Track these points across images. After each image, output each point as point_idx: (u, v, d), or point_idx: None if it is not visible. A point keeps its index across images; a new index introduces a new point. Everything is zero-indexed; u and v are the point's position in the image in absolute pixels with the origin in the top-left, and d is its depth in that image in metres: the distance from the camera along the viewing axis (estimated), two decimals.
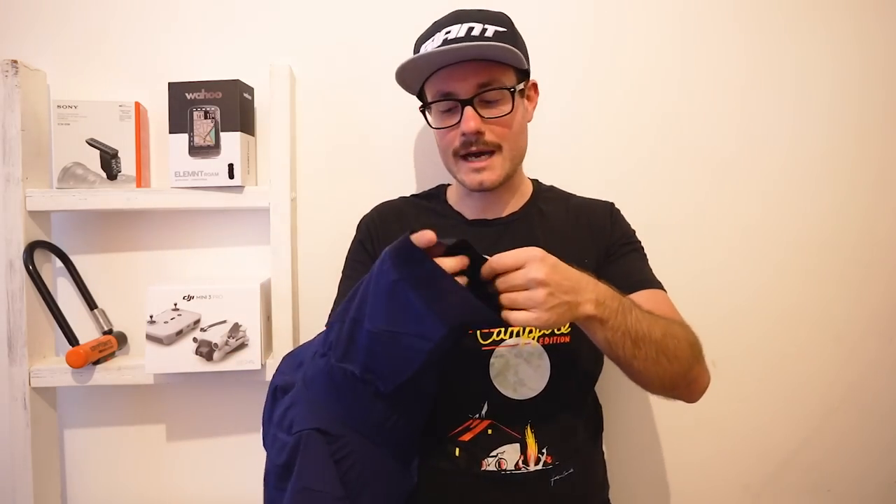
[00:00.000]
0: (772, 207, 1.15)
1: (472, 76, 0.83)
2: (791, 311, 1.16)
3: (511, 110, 0.84)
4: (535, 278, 0.65)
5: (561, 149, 1.13)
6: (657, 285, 0.88)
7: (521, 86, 0.87)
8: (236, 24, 1.12)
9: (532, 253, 0.67)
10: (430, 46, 0.85)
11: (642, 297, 0.83)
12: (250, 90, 1.08)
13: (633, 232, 0.94)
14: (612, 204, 0.96)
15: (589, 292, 0.70)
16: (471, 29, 0.84)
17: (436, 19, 0.88)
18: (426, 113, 0.90)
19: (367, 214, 0.99)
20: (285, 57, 1.11)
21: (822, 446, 1.17)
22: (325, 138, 1.13)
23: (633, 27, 1.13)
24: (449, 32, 0.84)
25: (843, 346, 1.17)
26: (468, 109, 0.83)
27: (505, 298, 0.67)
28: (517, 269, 0.66)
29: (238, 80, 1.03)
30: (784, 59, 1.15)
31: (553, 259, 0.68)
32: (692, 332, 0.79)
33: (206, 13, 1.11)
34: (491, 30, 0.84)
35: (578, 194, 0.99)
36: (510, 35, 0.86)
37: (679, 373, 0.77)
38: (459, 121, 0.84)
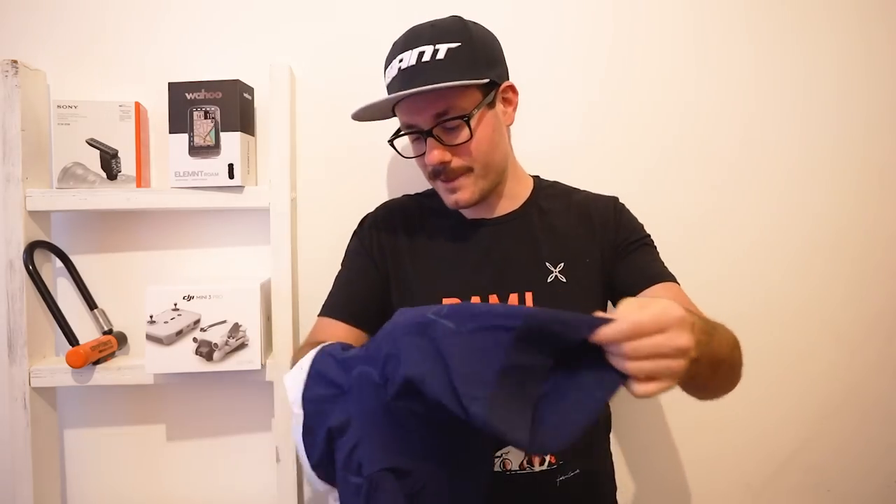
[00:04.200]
0: (773, 209, 1.15)
1: (429, 107, 0.82)
2: (792, 311, 1.16)
3: (469, 138, 0.83)
4: (681, 347, 0.53)
5: (567, 148, 1.13)
6: (671, 278, 0.87)
7: (490, 97, 0.85)
8: (236, 24, 1.12)
9: (672, 312, 0.54)
10: (389, 74, 0.86)
11: (658, 291, 0.83)
12: (250, 90, 1.08)
13: (641, 226, 0.93)
14: (616, 199, 0.95)
15: (694, 334, 0.57)
16: (421, 54, 0.81)
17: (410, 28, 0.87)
18: (394, 144, 0.90)
19: (371, 212, 0.99)
20: (285, 57, 1.11)
21: (822, 447, 1.17)
22: (326, 138, 1.13)
23: (641, 27, 1.13)
24: (402, 60, 0.83)
25: (844, 346, 1.17)
26: (430, 141, 0.83)
27: (636, 368, 0.53)
28: (657, 332, 0.53)
29: (238, 80, 1.03)
30: (790, 59, 1.15)
31: (687, 314, 0.56)
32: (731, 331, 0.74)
33: (206, 13, 1.11)
34: (443, 49, 0.81)
35: (583, 189, 0.98)
36: (465, 50, 0.82)
37: (736, 380, 0.75)
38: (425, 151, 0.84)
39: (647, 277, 0.85)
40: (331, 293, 0.94)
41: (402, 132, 0.88)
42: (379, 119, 0.92)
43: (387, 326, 0.63)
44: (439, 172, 0.85)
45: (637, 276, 0.86)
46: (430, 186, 1.01)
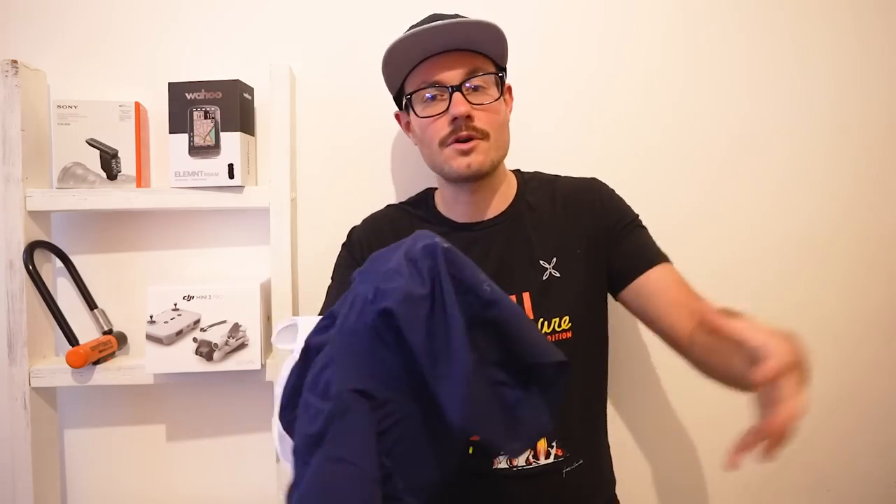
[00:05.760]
0: (770, 207, 1.15)
1: (459, 64, 0.84)
2: (791, 310, 1.16)
3: (499, 96, 0.86)
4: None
5: (556, 145, 1.13)
6: (666, 258, 0.89)
7: (503, 84, 0.89)
8: (236, 23, 1.12)
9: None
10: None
11: (656, 273, 0.86)
12: (250, 90, 1.08)
13: (628, 206, 0.93)
14: (594, 179, 0.95)
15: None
16: (455, 17, 0.86)
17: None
18: (411, 107, 0.88)
19: (357, 225, 0.98)
20: (285, 57, 1.11)
21: (821, 446, 1.17)
22: (326, 138, 1.13)
23: (631, 22, 1.13)
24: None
25: (842, 346, 1.17)
26: (457, 95, 0.84)
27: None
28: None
29: (238, 80, 1.03)
30: (782, 56, 1.15)
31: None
32: None
33: (206, 13, 1.11)
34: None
35: (562, 175, 0.98)
36: None
37: None
38: (447, 108, 0.84)
39: (646, 260, 0.88)
40: (324, 306, 0.92)
41: (423, 88, 0.86)
42: (396, 79, 0.90)
43: (406, 242, 0.60)
44: (459, 129, 0.83)
45: (636, 259, 0.88)
46: (420, 191, 1.01)
